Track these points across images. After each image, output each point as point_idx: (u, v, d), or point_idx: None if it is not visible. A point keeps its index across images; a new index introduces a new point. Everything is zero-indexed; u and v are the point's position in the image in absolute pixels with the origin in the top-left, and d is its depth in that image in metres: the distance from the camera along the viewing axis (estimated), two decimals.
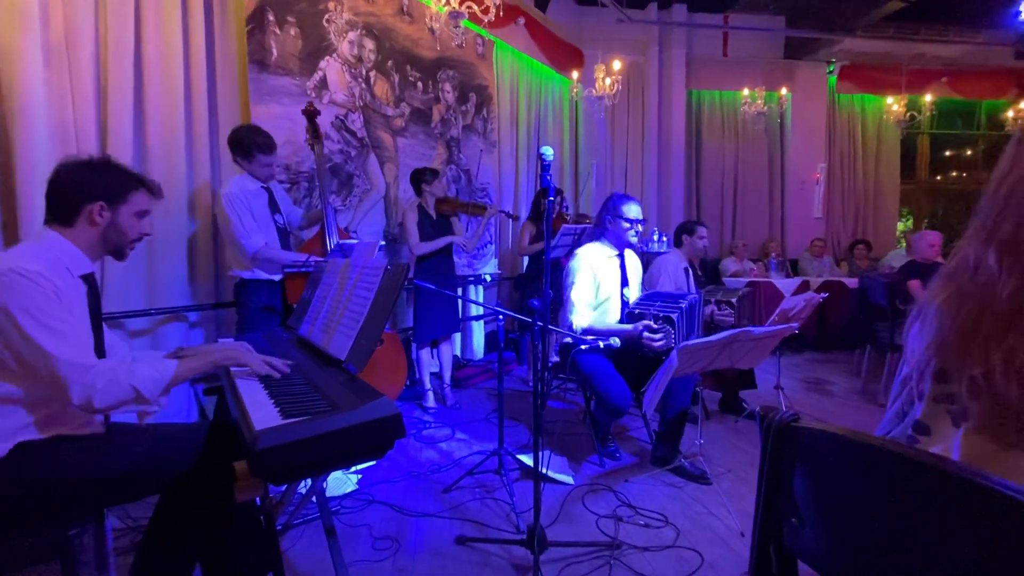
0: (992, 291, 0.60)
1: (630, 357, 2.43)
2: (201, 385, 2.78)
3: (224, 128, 2.81)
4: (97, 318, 1.31)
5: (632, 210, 2.50)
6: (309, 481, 1.69)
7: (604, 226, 2.56)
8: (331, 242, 2.63)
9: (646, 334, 2.23)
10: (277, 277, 2.55)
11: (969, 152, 7.69)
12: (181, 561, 1.32)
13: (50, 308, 1.13)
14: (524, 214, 4.63)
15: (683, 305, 2.30)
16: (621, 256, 2.58)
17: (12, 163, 2.11)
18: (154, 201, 1.41)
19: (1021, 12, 5.00)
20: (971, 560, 0.51)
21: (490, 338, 4.63)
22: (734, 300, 2.93)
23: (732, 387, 3.26)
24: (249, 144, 2.44)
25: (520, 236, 4.01)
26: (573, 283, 2.45)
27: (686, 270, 3.31)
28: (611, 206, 2.53)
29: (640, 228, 2.53)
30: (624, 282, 2.56)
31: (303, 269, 2.49)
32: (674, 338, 2.24)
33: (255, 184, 2.48)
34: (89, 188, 1.29)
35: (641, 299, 2.53)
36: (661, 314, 2.28)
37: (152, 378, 1.21)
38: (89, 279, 1.31)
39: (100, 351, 1.31)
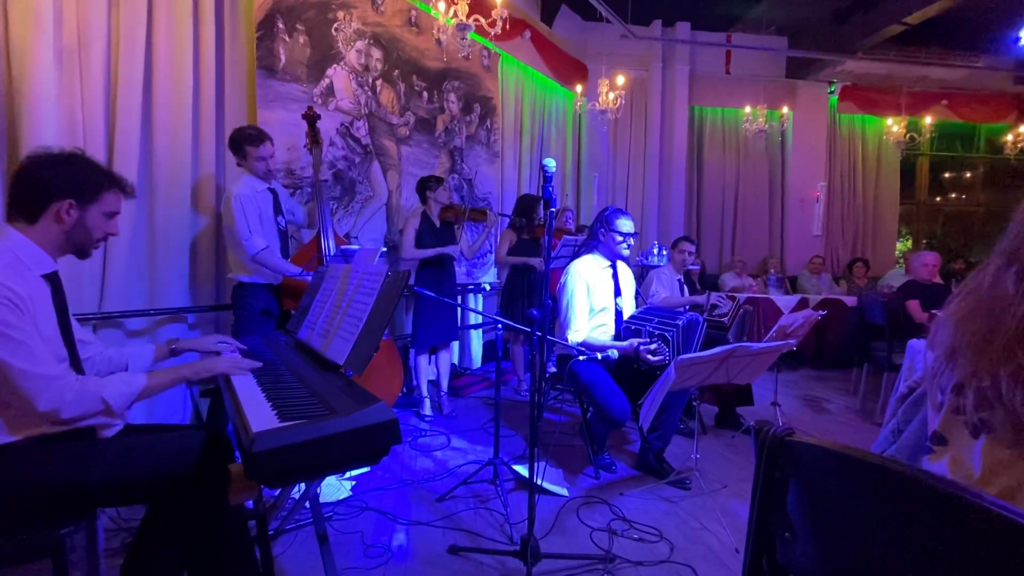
0: (1005, 310, 0.63)
1: (627, 369, 2.43)
2: (197, 387, 2.78)
3: (231, 131, 2.83)
4: (64, 318, 1.26)
5: (625, 224, 2.55)
6: (302, 486, 1.68)
7: (597, 238, 2.61)
8: (327, 246, 2.65)
9: (643, 349, 2.28)
10: (277, 281, 2.57)
11: (968, 175, 7.76)
12: (170, 568, 1.29)
13: (10, 319, 1.08)
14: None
15: (679, 322, 2.32)
16: (614, 267, 2.63)
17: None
18: (125, 201, 1.34)
19: (1021, 38, 5.07)
20: None
21: (488, 347, 4.62)
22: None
23: (729, 402, 3.26)
24: (238, 139, 2.45)
25: (500, 244, 3.82)
26: (568, 298, 2.49)
27: (680, 283, 3.45)
28: (605, 219, 2.58)
29: (632, 242, 2.58)
30: (617, 292, 2.60)
31: (301, 276, 2.51)
32: (668, 354, 2.27)
33: (262, 185, 2.50)
34: (60, 184, 1.21)
35: (639, 313, 2.55)
36: (656, 331, 2.32)
37: (122, 392, 1.21)
38: (52, 278, 1.25)
39: (71, 351, 1.27)
